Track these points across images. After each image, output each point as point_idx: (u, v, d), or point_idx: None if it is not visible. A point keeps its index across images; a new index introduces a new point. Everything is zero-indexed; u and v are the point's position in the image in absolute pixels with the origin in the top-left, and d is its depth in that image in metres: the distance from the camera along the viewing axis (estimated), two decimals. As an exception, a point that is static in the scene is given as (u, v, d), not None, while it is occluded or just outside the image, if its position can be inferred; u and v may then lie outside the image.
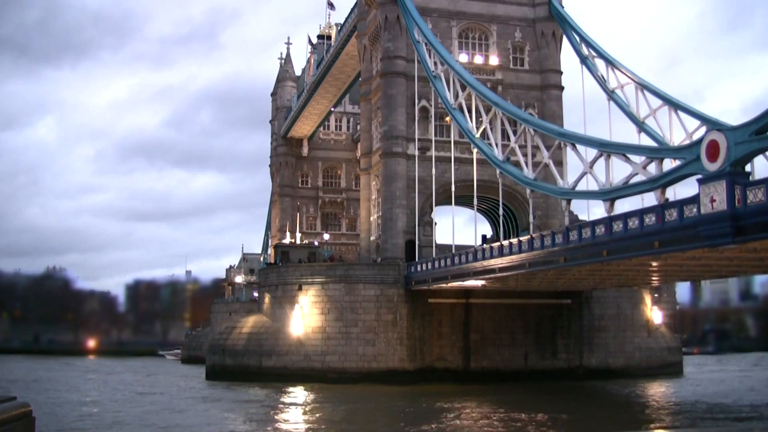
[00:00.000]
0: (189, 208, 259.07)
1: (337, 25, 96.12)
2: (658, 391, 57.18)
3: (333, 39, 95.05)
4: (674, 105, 48.71)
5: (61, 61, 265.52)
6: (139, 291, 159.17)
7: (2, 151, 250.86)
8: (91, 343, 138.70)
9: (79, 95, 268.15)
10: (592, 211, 51.45)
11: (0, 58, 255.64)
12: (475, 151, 54.29)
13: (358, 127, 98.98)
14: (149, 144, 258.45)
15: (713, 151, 28.56)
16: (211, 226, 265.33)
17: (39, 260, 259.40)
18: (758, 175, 29.66)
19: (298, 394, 54.14)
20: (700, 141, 29.92)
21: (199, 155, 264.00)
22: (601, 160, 37.80)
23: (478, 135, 53.53)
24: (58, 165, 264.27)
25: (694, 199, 29.44)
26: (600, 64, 59.96)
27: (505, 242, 46.81)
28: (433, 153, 64.08)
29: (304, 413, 44.70)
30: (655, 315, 68.15)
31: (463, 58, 68.66)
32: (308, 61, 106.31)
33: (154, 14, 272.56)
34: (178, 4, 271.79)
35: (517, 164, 50.30)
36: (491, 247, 47.60)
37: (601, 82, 59.39)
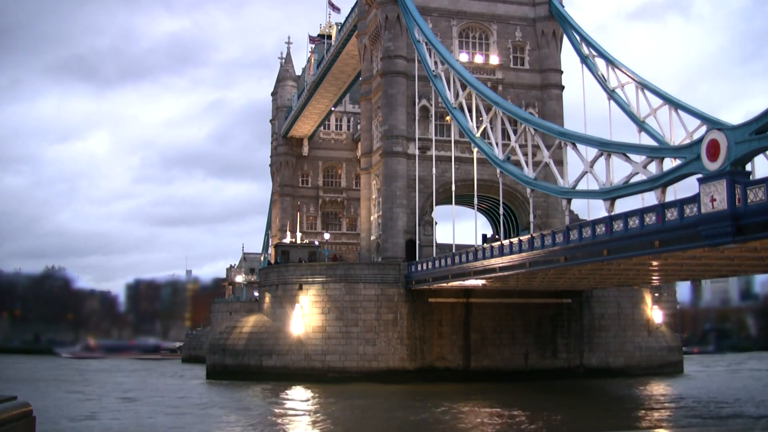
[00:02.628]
0: (220, 213, 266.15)
1: (337, 24, 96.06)
2: (658, 390, 57.17)
3: (333, 38, 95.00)
4: (674, 104, 48.71)
5: (125, 83, 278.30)
6: (140, 291, 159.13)
7: (50, 161, 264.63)
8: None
9: (136, 112, 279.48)
10: (593, 210, 51.34)
11: (68, 77, 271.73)
12: (475, 150, 54.28)
13: (359, 127, 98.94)
14: (192, 155, 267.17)
15: (713, 150, 28.55)
16: (238, 230, 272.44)
17: (61, 262, 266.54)
18: (758, 174, 29.61)
19: (299, 393, 54.14)
20: (700, 140, 29.90)
21: (238, 166, 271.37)
22: (602, 160, 37.79)
23: (478, 134, 53.52)
24: (99, 174, 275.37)
25: (695, 199, 29.42)
26: (600, 63, 59.96)
27: (506, 242, 46.79)
28: (433, 152, 64.07)
29: (305, 413, 44.69)
30: (655, 314, 68.15)
31: (464, 57, 68.65)
32: (308, 60, 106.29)
33: (226, 42, 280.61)
34: (252, 33, 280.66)
35: (517, 163, 50.29)
36: (491, 247, 47.57)
37: (602, 82, 59.38)
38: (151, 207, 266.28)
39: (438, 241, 63.87)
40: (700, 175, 29.50)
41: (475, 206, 56.75)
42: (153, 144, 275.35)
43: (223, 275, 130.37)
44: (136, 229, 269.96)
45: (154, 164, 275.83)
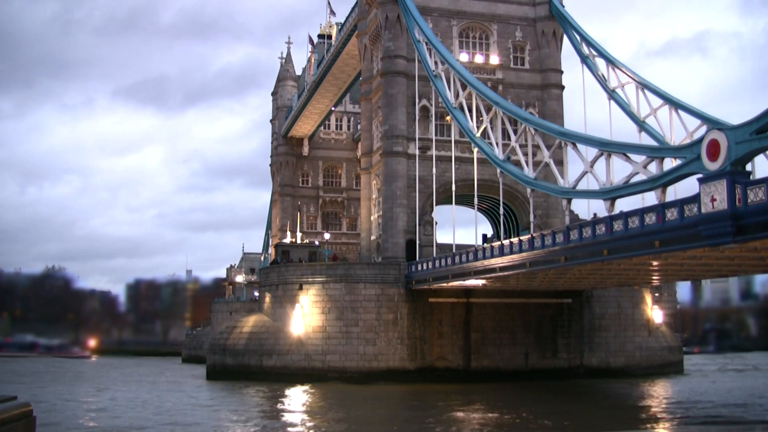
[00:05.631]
0: (248, 219, 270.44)
1: (337, 24, 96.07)
2: (658, 390, 57.17)
3: (333, 38, 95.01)
4: (675, 104, 48.69)
5: (188, 105, 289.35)
6: (140, 291, 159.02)
7: (100, 171, 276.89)
8: (92, 343, 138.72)
9: (192, 130, 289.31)
10: (593, 210, 51.43)
11: (136, 99, 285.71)
12: (475, 150, 54.28)
13: (359, 127, 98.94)
14: (234, 167, 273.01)
15: (714, 150, 28.54)
16: (262, 234, 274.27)
17: (84, 264, 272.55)
18: (759, 174, 29.58)
19: (299, 393, 54.15)
20: (700, 140, 29.89)
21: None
22: (602, 160, 37.79)
23: (478, 134, 53.52)
24: (142, 183, 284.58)
25: (695, 199, 29.41)
26: (600, 63, 59.95)
27: (506, 241, 46.78)
28: (433, 152, 64.07)
29: (305, 413, 44.70)
30: (655, 314, 68.17)
31: (464, 57, 68.65)
32: (309, 60, 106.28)
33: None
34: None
35: (517, 163, 50.29)
36: (492, 247, 47.57)
37: (602, 82, 59.37)
38: (184, 214, 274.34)
39: (438, 241, 63.88)
40: (700, 175, 29.48)
41: (476, 206, 56.74)
42: (203, 157, 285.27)
43: (220, 274, 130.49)
44: (166, 234, 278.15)
45: (199, 174, 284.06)
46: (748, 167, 28.58)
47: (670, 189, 34.86)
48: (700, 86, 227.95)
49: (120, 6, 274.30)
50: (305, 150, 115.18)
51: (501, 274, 47.16)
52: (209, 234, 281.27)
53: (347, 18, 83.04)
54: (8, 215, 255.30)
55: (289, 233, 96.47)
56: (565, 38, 68.61)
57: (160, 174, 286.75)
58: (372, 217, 71.38)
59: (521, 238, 45.29)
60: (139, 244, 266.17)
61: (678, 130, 48.26)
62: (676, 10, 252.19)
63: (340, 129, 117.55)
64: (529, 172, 46.28)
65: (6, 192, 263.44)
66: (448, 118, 64.67)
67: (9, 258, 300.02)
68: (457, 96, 56.81)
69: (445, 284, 55.81)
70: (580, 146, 40.90)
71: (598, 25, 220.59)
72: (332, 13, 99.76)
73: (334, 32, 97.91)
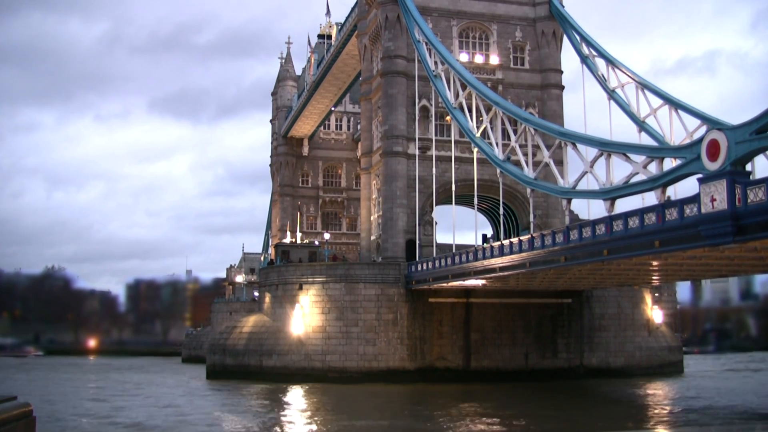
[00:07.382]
0: (264, 223, 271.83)
1: (337, 24, 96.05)
2: (658, 390, 57.16)
3: (333, 38, 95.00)
4: (674, 104, 48.69)
5: (219, 116, 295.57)
6: (140, 291, 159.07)
7: (126, 177, 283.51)
8: (92, 343, 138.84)
9: (222, 139, 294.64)
10: (593, 210, 51.52)
11: (170, 110, 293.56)
12: (475, 150, 54.29)
13: (359, 127, 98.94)
14: (257, 173, 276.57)
15: (714, 150, 28.55)
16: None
17: (96, 266, 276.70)
18: (759, 174, 29.60)
19: (299, 393, 54.14)
20: (700, 140, 29.90)
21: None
22: (602, 160, 37.80)
23: (478, 134, 53.52)
24: (166, 189, 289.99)
25: (695, 199, 29.42)
26: (600, 63, 59.94)
27: (506, 241, 46.79)
28: (433, 152, 64.07)
29: (305, 413, 44.68)
30: (655, 314, 68.16)
31: (464, 57, 68.65)
32: (309, 60, 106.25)
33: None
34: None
35: (517, 163, 50.30)
36: (492, 247, 47.59)
37: (602, 82, 59.36)
38: (203, 217, 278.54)
39: (438, 241, 63.86)
40: (700, 175, 29.50)
41: (475, 206, 56.76)
42: (229, 164, 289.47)
43: (220, 274, 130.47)
44: (182, 237, 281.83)
45: (223, 180, 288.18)
46: (748, 167, 28.61)
47: (670, 189, 34.89)
48: (707, 102, 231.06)
49: (165, 23, 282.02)
50: (305, 150, 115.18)
51: (501, 274, 47.17)
52: (224, 237, 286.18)
53: (347, 18, 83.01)
54: (31, 219, 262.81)
55: (288, 233, 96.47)
56: (565, 38, 68.60)
57: (185, 180, 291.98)
58: (372, 217, 71.38)
59: (521, 238, 45.30)
60: (154, 246, 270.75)
61: (678, 130, 48.29)
62: (692, 30, 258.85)
63: (340, 129, 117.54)
64: (529, 172, 46.28)
65: (33, 197, 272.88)
66: (448, 118, 64.66)
67: (23, 259, 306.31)
68: (457, 96, 56.81)
69: (445, 284, 55.81)
70: (580, 146, 40.91)
71: (621, 46, 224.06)
72: (328, 12, 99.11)
73: (333, 32, 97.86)
